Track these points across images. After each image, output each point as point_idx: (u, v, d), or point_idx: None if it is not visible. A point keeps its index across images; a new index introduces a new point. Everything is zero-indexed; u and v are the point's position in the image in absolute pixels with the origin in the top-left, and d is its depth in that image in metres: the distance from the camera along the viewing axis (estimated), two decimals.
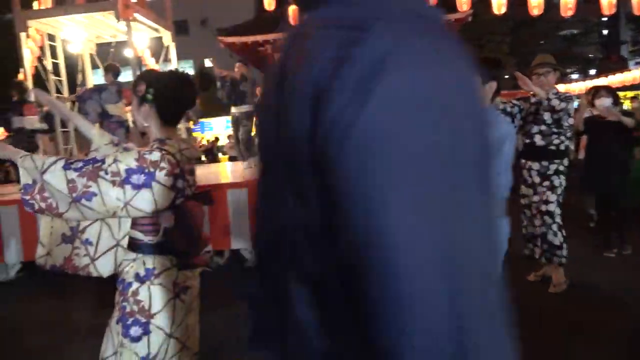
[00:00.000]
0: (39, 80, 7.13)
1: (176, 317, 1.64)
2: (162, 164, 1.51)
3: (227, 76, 6.88)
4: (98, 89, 5.87)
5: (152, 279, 1.58)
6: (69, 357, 3.12)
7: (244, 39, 17.88)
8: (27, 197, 1.50)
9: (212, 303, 3.90)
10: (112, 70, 5.88)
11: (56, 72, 7.60)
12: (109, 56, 7.42)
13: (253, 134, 7.32)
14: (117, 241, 1.62)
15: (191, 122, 9.21)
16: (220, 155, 14.26)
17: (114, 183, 1.44)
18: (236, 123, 7.06)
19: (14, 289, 4.70)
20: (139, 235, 1.61)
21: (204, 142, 14.27)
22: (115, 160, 1.47)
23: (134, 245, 1.62)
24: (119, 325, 1.59)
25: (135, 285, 1.59)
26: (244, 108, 6.96)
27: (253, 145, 7.40)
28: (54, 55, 7.50)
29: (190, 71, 24.26)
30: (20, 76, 7.65)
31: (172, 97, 1.61)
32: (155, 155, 1.52)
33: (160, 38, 8.08)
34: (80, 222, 1.56)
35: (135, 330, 1.57)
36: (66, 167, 1.45)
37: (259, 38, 18.23)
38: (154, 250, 1.60)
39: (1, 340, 3.45)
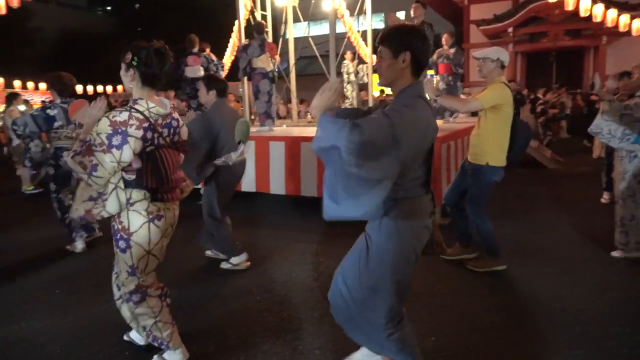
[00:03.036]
0: (250, 30, 7.97)
1: (152, 237, 2.13)
2: (131, 121, 1.99)
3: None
4: (245, 46, 6.49)
5: (129, 207, 2.09)
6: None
7: None
8: (75, 175, 2.07)
9: None
10: (256, 28, 6.49)
11: None
12: (309, 9, 7.85)
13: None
14: (115, 184, 2.09)
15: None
16: None
17: (104, 151, 1.95)
18: None
19: None
20: (122, 173, 2.09)
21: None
22: (97, 134, 1.96)
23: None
24: (113, 239, 2.15)
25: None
26: None
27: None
28: (263, 7, 8.27)
29: (380, 25, 24.28)
30: (235, 27, 8.65)
31: (151, 64, 2.05)
32: (124, 116, 1.99)
33: None
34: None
35: (121, 243, 2.13)
36: (73, 156, 1.99)
37: None
38: (131, 185, 2.09)
39: None
